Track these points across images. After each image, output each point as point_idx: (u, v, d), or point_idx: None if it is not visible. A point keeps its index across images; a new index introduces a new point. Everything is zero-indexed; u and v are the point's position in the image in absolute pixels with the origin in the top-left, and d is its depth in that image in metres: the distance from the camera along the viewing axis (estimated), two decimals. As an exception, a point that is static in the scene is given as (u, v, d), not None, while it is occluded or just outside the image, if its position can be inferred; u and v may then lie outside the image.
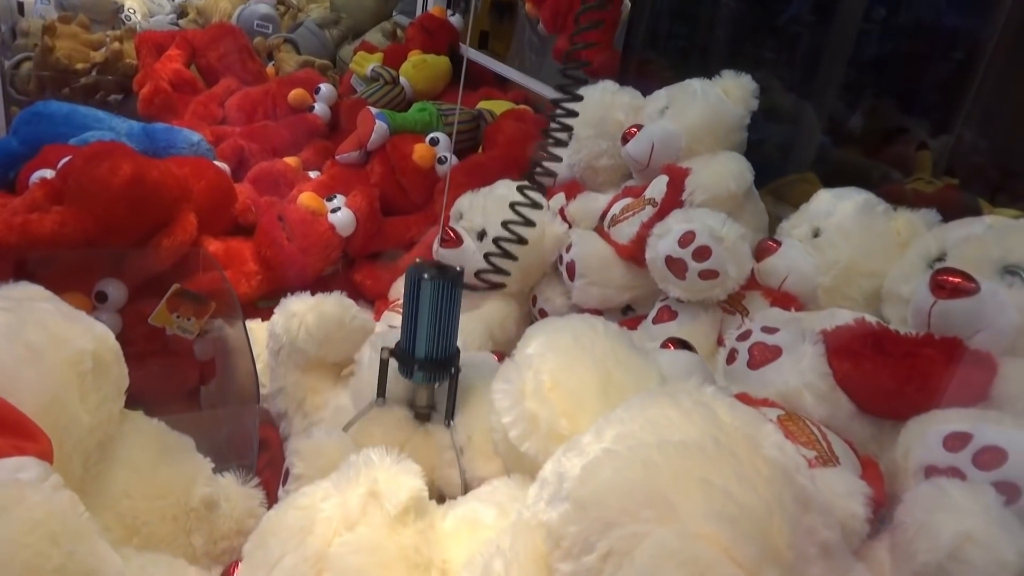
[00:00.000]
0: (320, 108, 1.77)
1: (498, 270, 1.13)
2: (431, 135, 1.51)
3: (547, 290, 1.27)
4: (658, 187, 1.16)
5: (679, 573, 0.42)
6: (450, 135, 1.55)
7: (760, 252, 1.05)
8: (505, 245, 1.11)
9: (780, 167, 1.46)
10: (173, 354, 1.20)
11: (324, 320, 0.94)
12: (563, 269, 1.22)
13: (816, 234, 1.02)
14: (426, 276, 0.79)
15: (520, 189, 1.00)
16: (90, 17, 2.28)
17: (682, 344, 0.83)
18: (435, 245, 1.24)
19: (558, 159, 1.05)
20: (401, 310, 1.26)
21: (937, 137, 1.34)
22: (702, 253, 0.99)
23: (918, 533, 0.58)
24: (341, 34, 2.37)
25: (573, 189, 1.36)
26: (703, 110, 1.19)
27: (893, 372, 0.74)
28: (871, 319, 0.85)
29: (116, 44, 1.99)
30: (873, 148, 1.45)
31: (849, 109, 1.49)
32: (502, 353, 1.17)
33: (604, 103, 1.33)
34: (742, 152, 1.19)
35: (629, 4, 1.73)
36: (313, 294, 0.98)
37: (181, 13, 2.57)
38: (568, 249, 1.21)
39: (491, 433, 0.71)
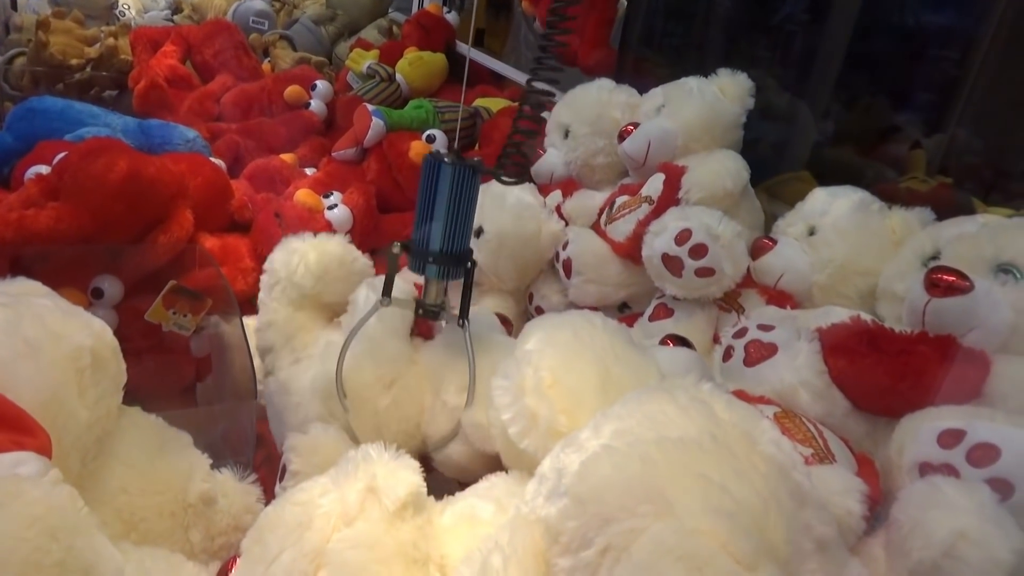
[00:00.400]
0: (316, 105, 1.77)
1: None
2: (427, 132, 1.51)
3: (543, 287, 1.27)
4: (654, 185, 1.16)
5: (677, 568, 0.42)
6: (447, 132, 1.56)
7: (756, 250, 1.06)
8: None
9: (775, 165, 1.47)
10: (169, 350, 1.20)
11: (325, 257, 0.92)
12: (559, 266, 1.23)
13: (811, 232, 1.03)
14: (446, 160, 0.77)
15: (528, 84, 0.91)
16: (84, 12, 2.27)
17: (680, 341, 0.83)
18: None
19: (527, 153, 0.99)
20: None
21: (931, 136, 1.34)
22: (698, 251, 0.99)
23: (913, 531, 0.58)
24: (337, 31, 2.36)
25: (570, 187, 1.36)
26: (699, 108, 1.19)
27: (888, 369, 0.75)
28: (866, 317, 0.86)
29: (111, 40, 1.99)
30: (867, 147, 1.46)
31: (843, 107, 1.49)
32: (505, 316, 1.17)
33: (601, 101, 1.33)
34: (738, 150, 1.19)
35: (625, 2, 1.73)
36: None
37: (176, 9, 2.56)
38: (564, 246, 1.21)
39: (489, 428, 0.71)
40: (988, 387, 0.73)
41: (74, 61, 1.96)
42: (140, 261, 1.17)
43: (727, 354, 0.89)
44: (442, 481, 0.86)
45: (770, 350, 0.84)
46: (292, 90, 1.75)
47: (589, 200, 1.32)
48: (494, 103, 1.75)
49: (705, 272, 1.00)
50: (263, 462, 0.96)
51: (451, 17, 2.10)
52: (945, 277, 0.80)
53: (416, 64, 1.88)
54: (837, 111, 1.48)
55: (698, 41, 1.79)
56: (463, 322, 0.81)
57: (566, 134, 1.37)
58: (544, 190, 1.35)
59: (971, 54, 1.24)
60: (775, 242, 1.05)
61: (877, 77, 1.45)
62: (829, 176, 1.22)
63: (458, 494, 0.68)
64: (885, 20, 1.43)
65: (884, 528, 0.64)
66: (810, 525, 0.48)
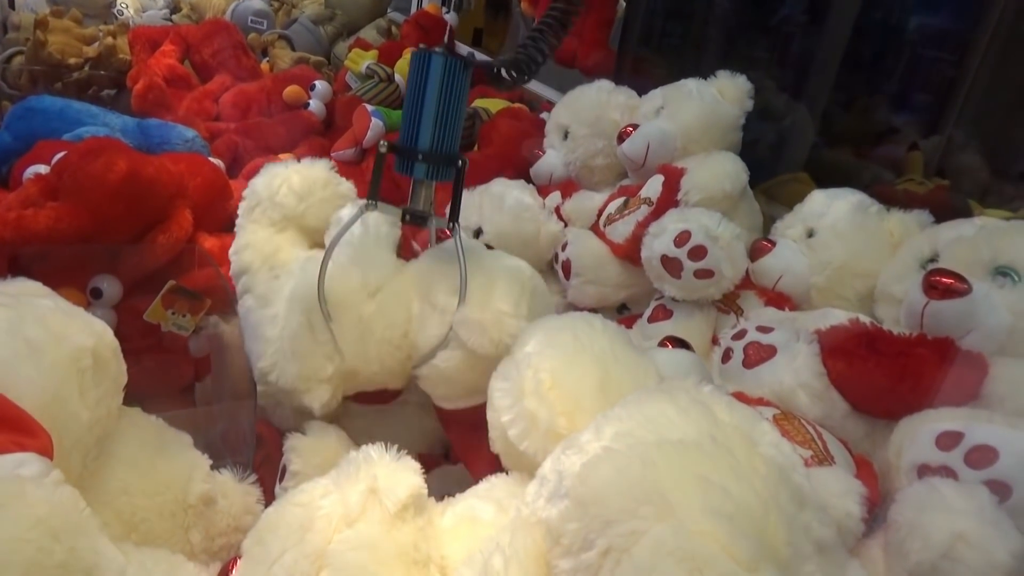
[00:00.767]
0: (315, 105, 1.77)
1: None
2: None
3: (542, 288, 1.27)
4: (654, 187, 1.17)
5: (678, 569, 0.42)
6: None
7: (754, 252, 1.06)
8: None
9: (773, 167, 1.47)
10: (168, 350, 1.19)
11: (308, 180, 0.91)
12: (559, 268, 1.23)
13: (810, 234, 1.03)
14: (436, 51, 0.74)
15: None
16: (82, 11, 2.27)
17: (680, 343, 0.84)
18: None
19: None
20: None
21: (928, 138, 1.35)
22: (697, 252, 1.00)
23: (911, 532, 0.59)
24: (336, 31, 2.36)
25: (569, 188, 1.36)
26: (699, 110, 1.19)
27: (886, 371, 0.75)
28: (865, 319, 0.86)
29: (109, 39, 1.98)
30: (865, 148, 1.47)
31: (842, 109, 1.50)
32: None
33: (600, 102, 1.34)
34: (737, 152, 1.20)
35: (624, 3, 1.73)
36: None
37: (174, 8, 2.56)
38: (564, 248, 1.22)
39: (490, 431, 0.72)
40: (986, 389, 0.74)
41: (72, 60, 1.95)
42: (139, 261, 1.17)
43: (726, 356, 0.89)
44: (448, 482, 0.85)
45: (769, 352, 0.84)
46: (291, 90, 1.75)
47: (588, 201, 1.32)
48: (493, 104, 1.75)
49: (704, 274, 1.01)
50: (262, 462, 0.96)
51: (450, 17, 2.10)
52: (943, 280, 0.80)
53: (414, 64, 1.88)
54: (835, 113, 1.49)
55: (697, 42, 1.79)
56: (453, 225, 0.78)
57: (565, 135, 1.37)
58: (543, 191, 1.35)
59: (968, 56, 1.25)
60: (774, 244, 1.05)
61: (875, 79, 1.46)
62: (827, 178, 1.23)
63: (458, 495, 0.68)
64: (883, 22, 1.44)
65: (883, 530, 0.65)
66: (810, 527, 0.49)
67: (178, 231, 1.18)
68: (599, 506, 0.47)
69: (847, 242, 0.98)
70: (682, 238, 1.00)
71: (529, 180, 1.38)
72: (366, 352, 0.81)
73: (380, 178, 0.78)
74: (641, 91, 1.34)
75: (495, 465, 0.69)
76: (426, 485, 0.62)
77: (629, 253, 1.14)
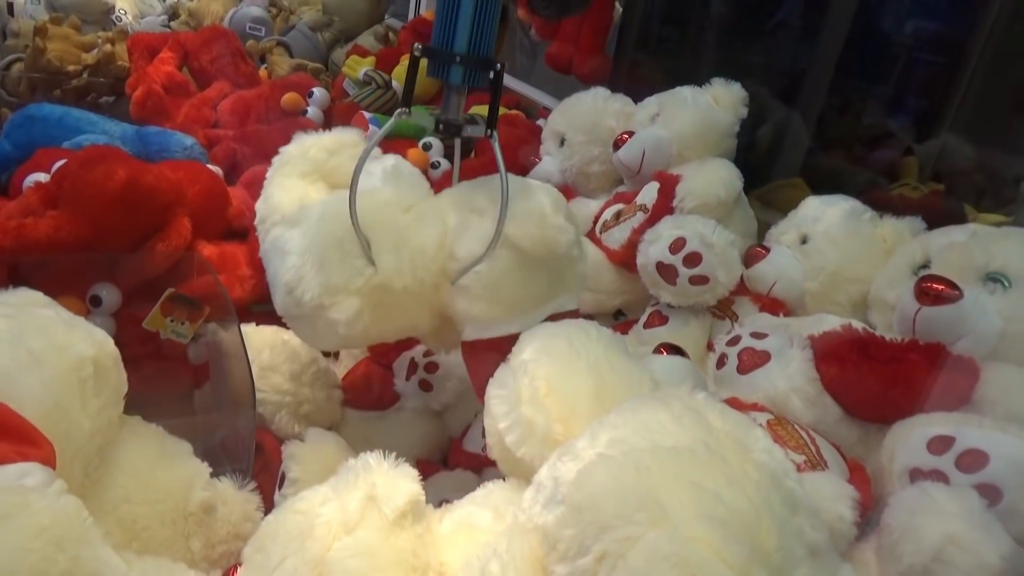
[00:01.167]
0: (313, 112, 1.77)
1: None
2: (424, 140, 1.52)
3: (539, 294, 1.28)
4: (649, 193, 1.18)
5: (671, 574, 0.43)
6: (443, 141, 1.56)
7: (749, 258, 1.07)
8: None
9: (768, 173, 1.48)
10: (167, 358, 1.20)
11: (339, 140, 0.90)
12: (555, 274, 1.24)
13: (804, 240, 1.04)
14: None
15: None
16: (81, 18, 2.28)
17: (675, 349, 0.84)
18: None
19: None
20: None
21: (923, 143, 1.36)
22: (692, 259, 1.01)
23: (903, 536, 0.59)
24: (333, 37, 2.37)
25: (565, 194, 1.37)
26: (693, 117, 1.20)
27: (879, 377, 0.76)
28: (858, 325, 0.87)
29: (108, 46, 1.99)
30: (860, 154, 1.48)
31: (837, 114, 1.51)
32: None
33: (596, 109, 1.35)
34: (731, 159, 1.21)
35: (620, 9, 1.74)
36: None
37: (173, 14, 2.57)
38: (560, 254, 1.22)
39: (487, 437, 0.72)
40: (977, 394, 0.75)
41: (71, 67, 1.96)
42: (138, 269, 1.18)
43: (721, 362, 0.90)
44: (447, 488, 0.85)
45: (763, 358, 0.85)
46: (289, 97, 1.75)
47: (584, 208, 1.33)
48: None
49: (699, 280, 1.01)
50: (262, 470, 0.97)
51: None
52: (935, 286, 0.81)
53: (412, 71, 1.89)
54: (830, 118, 1.50)
55: (692, 49, 1.80)
56: (491, 132, 0.75)
57: (562, 142, 1.39)
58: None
59: (963, 60, 1.26)
60: (768, 250, 1.06)
61: (870, 84, 1.47)
62: (822, 183, 1.24)
63: (456, 502, 0.69)
64: (878, 27, 1.45)
65: (876, 533, 0.65)
66: (802, 531, 0.49)
67: (177, 239, 1.19)
68: (594, 512, 0.48)
69: (840, 248, 0.99)
70: (677, 245, 1.01)
71: (526, 187, 1.38)
72: (399, 262, 0.76)
73: (414, 83, 0.74)
74: (637, 97, 1.35)
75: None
76: (424, 492, 0.63)
77: (625, 259, 1.15)
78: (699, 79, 1.28)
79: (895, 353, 0.77)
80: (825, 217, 1.03)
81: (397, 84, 1.86)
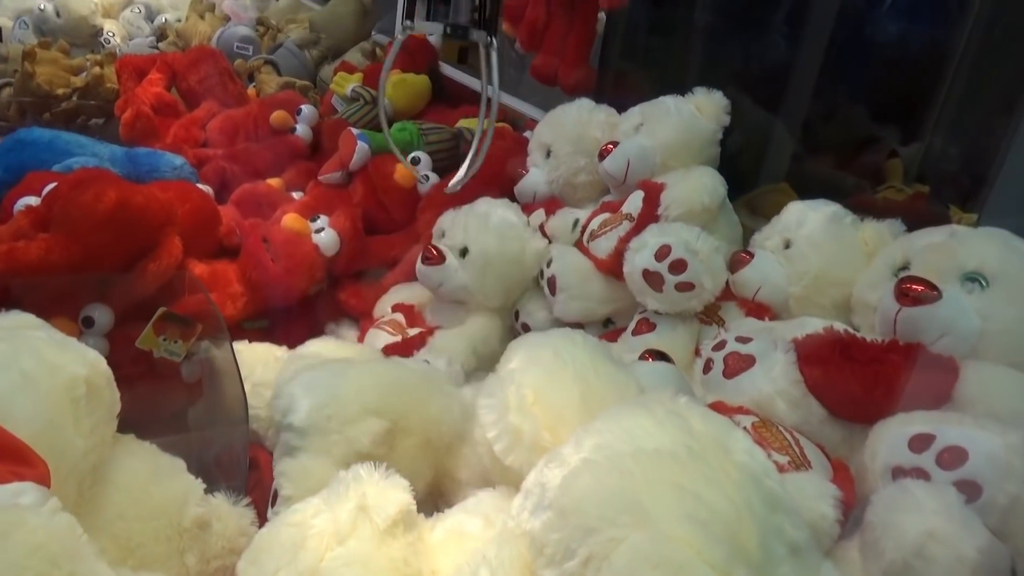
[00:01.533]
0: (302, 129, 1.79)
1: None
2: (412, 155, 1.53)
3: (529, 305, 1.29)
4: (634, 202, 1.19)
5: (654, 574, 0.44)
6: (431, 153, 1.58)
7: (734, 264, 1.08)
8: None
9: (755, 179, 1.50)
10: (160, 377, 1.20)
11: None
12: (544, 284, 1.25)
13: (787, 245, 1.05)
14: None
15: None
16: (69, 41, 2.29)
17: (659, 356, 0.86)
18: (418, 263, 1.26)
19: None
20: (387, 328, 1.29)
21: (908, 145, 1.37)
22: (678, 266, 1.02)
23: (885, 532, 0.61)
24: (321, 54, 2.39)
25: (553, 205, 1.39)
26: (676, 126, 1.22)
27: (860, 378, 0.77)
28: (840, 327, 0.88)
29: (96, 68, 2.00)
30: (846, 158, 1.49)
31: (822, 120, 1.53)
32: None
33: (581, 121, 1.36)
34: (715, 166, 1.22)
35: (604, 19, 1.76)
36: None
37: (160, 35, 2.59)
38: (549, 264, 1.24)
39: (476, 447, 0.73)
40: (957, 392, 0.76)
41: (60, 90, 1.97)
42: (130, 289, 1.19)
43: (707, 366, 0.91)
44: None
45: (748, 361, 0.86)
46: (278, 115, 1.77)
47: (572, 218, 1.34)
48: (476, 123, 1.77)
49: (685, 287, 1.03)
50: (255, 486, 0.97)
51: (434, 39, 2.13)
52: (914, 287, 0.83)
53: (400, 86, 1.91)
54: (815, 123, 1.51)
55: (676, 58, 1.82)
56: (491, 40, 0.76)
57: (548, 154, 1.40)
58: (527, 209, 1.37)
59: (946, 62, 1.27)
60: (752, 256, 1.07)
61: (853, 89, 1.48)
62: (808, 188, 1.25)
63: (447, 511, 0.70)
64: (860, 32, 1.47)
65: (860, 531, 0.67)
66: (782, 530, 0.50)
67: (168, 258, 1.20)
68: (579, 516, 0.49)
69: (822, 252, 1.01)
70: (662, 252, 1.02)
71: (514, 199, 1.40)
72: None
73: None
74: (622, 108, 1.37)
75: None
76: (415, 503, 0.64)
77: (612, 268, 1.16)
78: (684, 87, 1.29)
79: (876, 354, 0.79)
80: (807, 222, 1.05)
81: (385, 99, 1.87)
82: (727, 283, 1.08)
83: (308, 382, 0.84)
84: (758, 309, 1.05)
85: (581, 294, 1.21)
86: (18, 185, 1.30)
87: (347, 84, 1.95)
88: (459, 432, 0.83)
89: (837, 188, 1.37)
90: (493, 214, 1.26)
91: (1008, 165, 1.04)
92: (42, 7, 2.45)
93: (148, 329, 1.11)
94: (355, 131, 1.53)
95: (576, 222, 1.32)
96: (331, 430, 0.80)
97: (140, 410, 1.07)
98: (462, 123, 1.78)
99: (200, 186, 1.46)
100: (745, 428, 0.75)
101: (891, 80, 1.43)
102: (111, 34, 2.61)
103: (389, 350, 1.19)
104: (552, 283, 1.22)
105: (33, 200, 1.22)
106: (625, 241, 1.12)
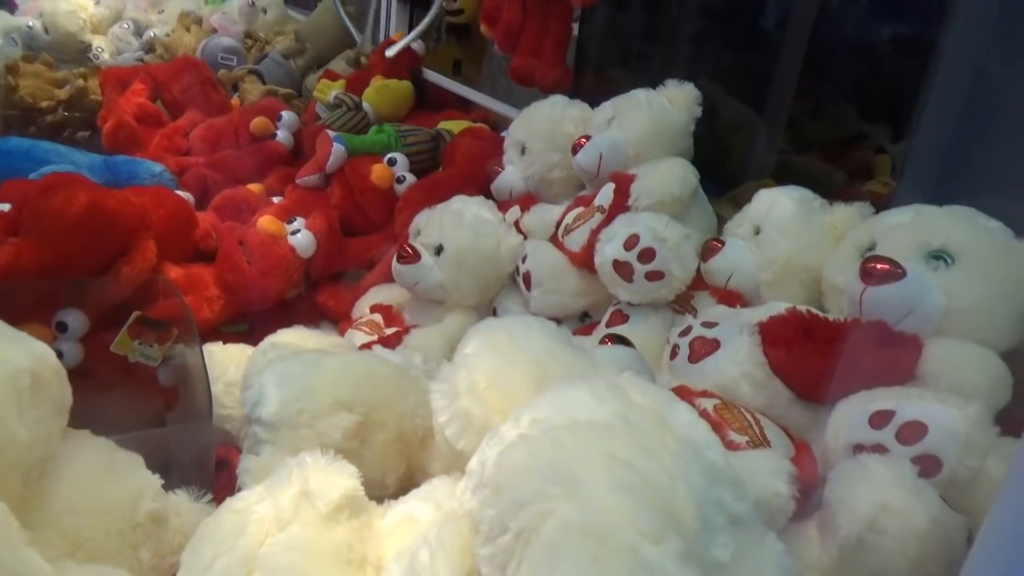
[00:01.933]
0: (282, 135, 1.79)
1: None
2: (389, 156, 1.53)
3: (506, 301, 1.29)
4: (606, 194, 1.18)
5: (581, 543, 0.43)
6: (410, 155, 1.58)
7: (705, 252, 1.08)
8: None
9: (741, 175, 1.49)
10: (137, 382, 1.20)
11: None
12: (520, 280, 1.24)
13: (757, 232, 1.05)
14: None
15: None
16: (58, 57, 2.31)
17: (619, 340, 0.85)
18: (393, 262, 1.26)
19: None
20: (364, 329, 1.29)
21: (896, 142, 1.37)
22: (647, 255, 1.01)
23: (839, 507, 0.60)
24: (306, 64, 2.40)
25: (528, 202, 1.38)
26: (648, 119, 1.22)
27: (823, 357, 0.77)
28: (802, 308, 0.87)
29: (81, 81, 2.02)
30: (833, 154, 1.49)
31: (807, 117, 1.52)
32: None
33: (554, 117, 1.36)
34: (689, 157, 1.22)
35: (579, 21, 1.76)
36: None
37: (149, 49, 2.60)
38: (524, 260, 1.23)
39: (436, 434, 0.72)
40: (920, 369, 0.75)
41: (44, 103, 1.98)
42: (104, 293, 1.18)
43: (673, 352, 0.90)
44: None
45: (713, 346, 0.86)
46: (258, 122, 1.77)
47: (547, 214, 1.34)
48: (456, 125, 1.77)
49: (655, 276, 1.02)
50: (225, 485, 0.96)
51: (417, 45, 2.13)
52: (878, 266, 0.82)
53: (382, 92, 1.91)
54: (801, 120, 1.51)
55: (655, 55, 1.82)
56: None
57: (523, 151, 1.40)
58: (503, 206, 1.37)
59: (931, 59, 1.27)
60: (723, 244, 1.07)
61: (840, 85, 1.48)
62: (795, 183, 1.24)
63: (400, 498, 0.69)
64: (845, 29, 1.47)
65: (819, 510, 0.65)
66: (723, 501, 0.49)
67: (142, 262, 1.20)
68: (512, 490, 0.48)
69: (791, 237, 1.00)
70: (631, 241, 1.02)
71: (491, 197, 1.40)
72: None
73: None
74: (598, 105, 1.36)
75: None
76: (362, 488, 0.63)
77: (586, 261, 1.16)
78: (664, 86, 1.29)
79: (838, 333, 0.78)
80: (775, 207, 1.04)
81: (367, 105, 1.88)
82: (699, 272, 1.07)
83: (280, 373, 0.83)
84: (730, 297, 1.04)
85: (556, 288, 1.20)
86: (-7, 194, 1.30)
87: (330, 91, 1.95)
88: (432, 426, 0.82)
89: (824, 183, 1.36)
90: (467, 211, 1.26)
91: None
92: (31, 24, 2.46)
93: (123, 333, 1.11)
94: (331, 133, 1.53)
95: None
96: (301, 424, 0.78)
97: (118, 415, 1.06)
98: (442, 125, 1.78)
99: (180, 193, 1.46)
100: (705, 409, 0.74)
101: (878, 76, 1.42)
102: (100, 49, 2.62)
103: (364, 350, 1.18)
104: (527, 278, 1.21)
105: (5, 207, 1.22)
106: (597, 233, 1.12)
